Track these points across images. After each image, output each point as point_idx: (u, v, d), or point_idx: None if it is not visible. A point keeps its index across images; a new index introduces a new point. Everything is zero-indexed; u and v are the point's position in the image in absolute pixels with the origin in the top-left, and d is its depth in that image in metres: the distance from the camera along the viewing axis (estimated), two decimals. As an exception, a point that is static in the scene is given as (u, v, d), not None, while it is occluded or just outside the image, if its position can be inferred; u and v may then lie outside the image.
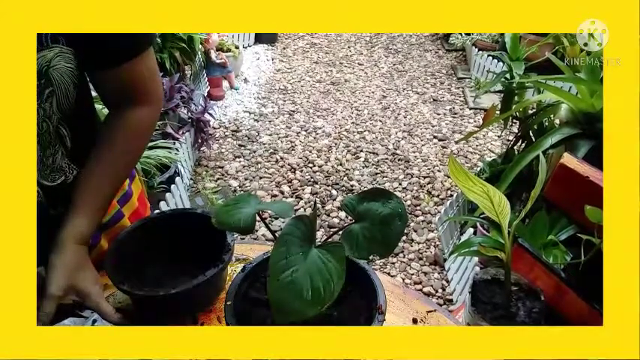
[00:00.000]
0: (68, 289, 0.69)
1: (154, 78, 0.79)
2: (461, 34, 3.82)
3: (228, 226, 0.58)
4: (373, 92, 3.65)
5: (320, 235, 2.24)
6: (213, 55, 3.29)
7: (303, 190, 2.63)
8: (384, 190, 0.60)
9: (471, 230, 1.93)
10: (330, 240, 0.59)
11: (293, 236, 0.53)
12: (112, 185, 0.79)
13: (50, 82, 0.68)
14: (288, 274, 0.49)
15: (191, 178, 2.66)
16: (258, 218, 0.60)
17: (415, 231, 2.38)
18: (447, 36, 4.31)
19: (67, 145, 0.77)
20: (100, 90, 0.79)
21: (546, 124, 1.74)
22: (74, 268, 0.70)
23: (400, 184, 2.69)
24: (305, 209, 2.50)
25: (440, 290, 2.07)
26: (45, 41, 0.65)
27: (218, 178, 2.71)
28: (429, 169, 2.80)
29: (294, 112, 3.37)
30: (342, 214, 2.44)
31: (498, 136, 3.06)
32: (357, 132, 3.15)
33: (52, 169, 0.76)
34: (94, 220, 0.76)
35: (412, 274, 2.15)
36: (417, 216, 2.47)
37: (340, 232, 0.59)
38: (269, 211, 0.61)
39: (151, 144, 2.18)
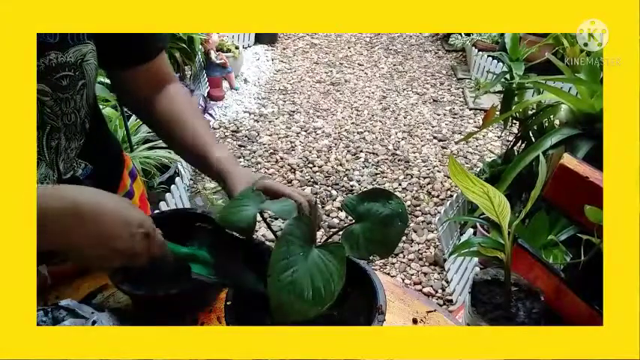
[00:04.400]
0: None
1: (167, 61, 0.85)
2: (461, 34, 3.82)
3: (230, 225, 0.58)
4: (373, 93, 3.65)
5: (320, 235, 2.23)
6: (213, 55, 3.29)
7: (303, 190, 2.63)
8: (384, 191, 0.60)
9: (471, 231, 1.93)
10: (330, 240, 0.59)
11: (294, 236, 0.53)
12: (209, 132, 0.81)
13: (83, 75, 0.69)
14: (288, 274, 0.49)
15: (191, 178, 2.66)
16: (259, 218, 0.60)
17: (415, 231, 2.38)
18: (446, 36, 4.31)
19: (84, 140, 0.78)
20: (127, 86, 0.81)
21: (546, 124, 1.74)
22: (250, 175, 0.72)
23: (400, 184, 2.70)
24: (305, 209, 2.50)
25: (440, 290, 2.07)
26: (82, 37, 0.67)
27: (218, 179, 2.71)
28: (428, 169, 2.80)
29: (294, 112, 3.37)
30: (342, 214, 2.44)
31: (498, 137, 3.06)
32: (357, 132, 3.15)
33: (69, 162, 0.77)
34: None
35: (412, 275, 2.15)
36: (417, 216, 2.47)
37: (340, 233, 0.59)
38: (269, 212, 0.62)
39: (150, 144, 2.18)
